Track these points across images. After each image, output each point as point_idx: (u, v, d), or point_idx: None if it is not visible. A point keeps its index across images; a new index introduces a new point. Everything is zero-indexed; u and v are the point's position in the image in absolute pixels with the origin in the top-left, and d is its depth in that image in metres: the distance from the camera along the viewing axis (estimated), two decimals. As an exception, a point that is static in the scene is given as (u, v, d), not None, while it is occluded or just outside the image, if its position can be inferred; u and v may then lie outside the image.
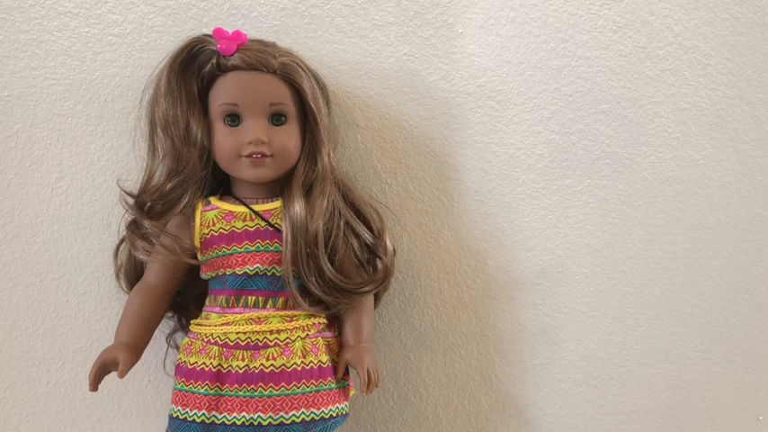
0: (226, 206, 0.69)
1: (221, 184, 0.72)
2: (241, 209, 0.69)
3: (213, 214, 0.69)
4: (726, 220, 0.88)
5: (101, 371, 0.65)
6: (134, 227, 0.70)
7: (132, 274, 0.73)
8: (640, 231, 0.86)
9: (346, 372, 0.70)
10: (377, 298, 0.77)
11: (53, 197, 0.76)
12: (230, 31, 0.67)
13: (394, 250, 0.74)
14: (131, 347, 0.67)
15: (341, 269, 0.70)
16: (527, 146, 0.83)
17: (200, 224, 0.69)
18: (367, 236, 0.72)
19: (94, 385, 0.64)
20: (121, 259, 0.74)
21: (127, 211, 0.71)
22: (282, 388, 0.66)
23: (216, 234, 0.68)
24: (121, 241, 0.74)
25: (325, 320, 0.70)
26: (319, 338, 0.69)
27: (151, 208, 0.69)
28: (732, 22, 0.86)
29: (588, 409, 0.87)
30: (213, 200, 0.70)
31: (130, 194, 0.70)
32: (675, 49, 0.85)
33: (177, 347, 0.77)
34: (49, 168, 0.75)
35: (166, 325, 0.76)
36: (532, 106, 0.83)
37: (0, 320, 0.76)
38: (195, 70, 0.68)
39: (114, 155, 0.76)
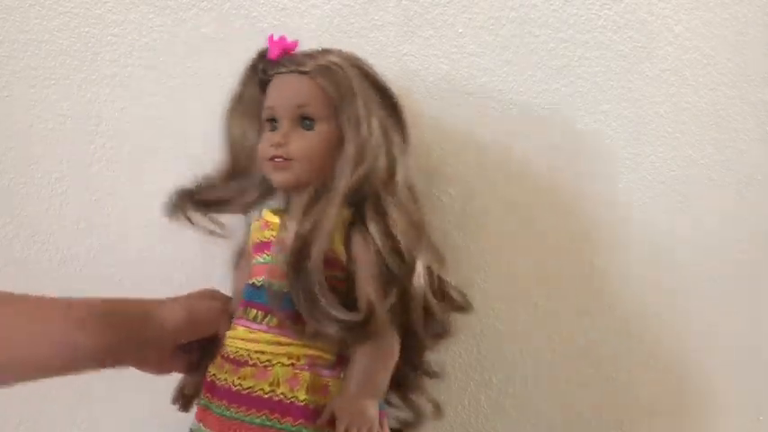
0: (266, 216, 0.68)
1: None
2: (274, 219, 0.67)
3: (257, 224, 0.69)
4: (726, 221, 0.88)
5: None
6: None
7: None
8: (641, 232, 0.86)
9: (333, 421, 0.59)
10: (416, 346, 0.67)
11: (53, 197, 0.76)
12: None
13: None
14: None
15: (359, 300, 0.61)
16: (527, 146, 0.83)
17: (250, 234, 0.69)
18: None
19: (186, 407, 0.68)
20: None
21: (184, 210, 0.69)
22: (239, 411, 0.60)
23: (254, 244, 0.68)
24: None
25: (328, 356, 0.62)
26: (305, 372, 0.60)
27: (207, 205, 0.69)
28: (732, 21, 0.86)
29: (588, 409, 0.87)
30: (264, 210, 0.70)
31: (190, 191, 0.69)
32: (675, 49, 0.85)
33: None
34: (49, 168, 0.75)
35: None
36: (532, 106, 0.83)
37: (0, 320, 0.76)
38: (256, 77, 0.68)
39: (115, 155, 0.76)
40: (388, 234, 0.62)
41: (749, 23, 0.86)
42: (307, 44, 0.78)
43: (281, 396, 0.59)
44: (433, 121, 0.81)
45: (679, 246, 0.87)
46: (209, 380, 0.64)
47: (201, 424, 0.63)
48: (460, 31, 0.81)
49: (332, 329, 0.58)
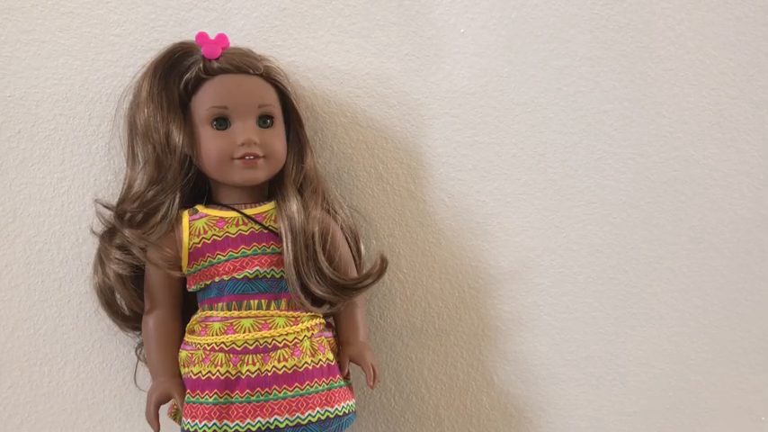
0: (215, 213, 0.68)
1: (198, 194, 0.71)
2: (232, 214, 0.68)
3: (203, 222, 0.68)
4: (728, 221, 0.88)
5: (158, 408, 0.68)
6: (109, 237, 0.70)
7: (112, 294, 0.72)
8: (642, 231, 0.86)
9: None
10: None
11: (55, 197, 0.76)
12: (213, 35, 0.67)
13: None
14: (176, 376, 0.69)
15: (338, 267, 0.71)
16: (529, 146, 0.83)
17: (189, 234, 0.68)
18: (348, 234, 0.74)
19: (158, 425, 0.68)
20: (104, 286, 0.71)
21: (103, 223, 0.71)
22: (297, 388, 0.66)
23: (209, 242, 0.68)
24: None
25: (323, 321, 0.71)
26: (323, 338, 0.69)
27: (131, 217, 0.68)
28: (735, 21, 0.86)
29: (590, 409, 0.87)
30: (200, 208, 0.69)
31: (109, 206, 0.70)
32: (677, 48, 0.85)
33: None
34: (51, 168, 0.75)
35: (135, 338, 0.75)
36: (534, 106, 0.83)
37: (2, 320, 0.76)
38: (177, 76, 0.67)
39: (116, 155, 0.76)
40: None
41: (752, 23, 0.86)
42: (309, 44, 0.78)
43: (321, 362, 0.68)
44: (434, 121, 0.81)
45: (680, 244, 0.87)
46: (222, 378, 0.65)
47: (225, 421, 0.65)
48: (462, 31, 0.81)
49: (334, 293, 0.69)
